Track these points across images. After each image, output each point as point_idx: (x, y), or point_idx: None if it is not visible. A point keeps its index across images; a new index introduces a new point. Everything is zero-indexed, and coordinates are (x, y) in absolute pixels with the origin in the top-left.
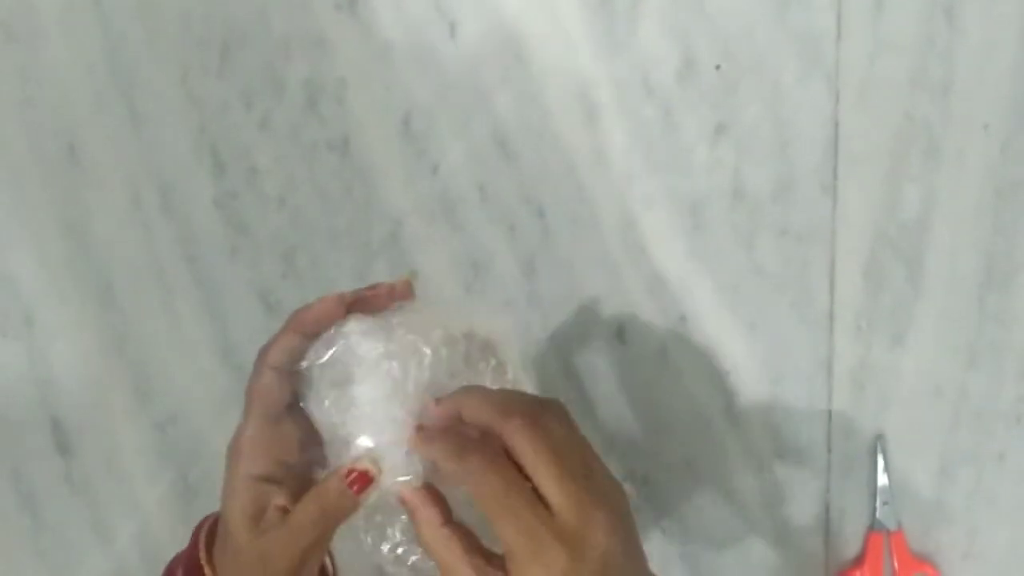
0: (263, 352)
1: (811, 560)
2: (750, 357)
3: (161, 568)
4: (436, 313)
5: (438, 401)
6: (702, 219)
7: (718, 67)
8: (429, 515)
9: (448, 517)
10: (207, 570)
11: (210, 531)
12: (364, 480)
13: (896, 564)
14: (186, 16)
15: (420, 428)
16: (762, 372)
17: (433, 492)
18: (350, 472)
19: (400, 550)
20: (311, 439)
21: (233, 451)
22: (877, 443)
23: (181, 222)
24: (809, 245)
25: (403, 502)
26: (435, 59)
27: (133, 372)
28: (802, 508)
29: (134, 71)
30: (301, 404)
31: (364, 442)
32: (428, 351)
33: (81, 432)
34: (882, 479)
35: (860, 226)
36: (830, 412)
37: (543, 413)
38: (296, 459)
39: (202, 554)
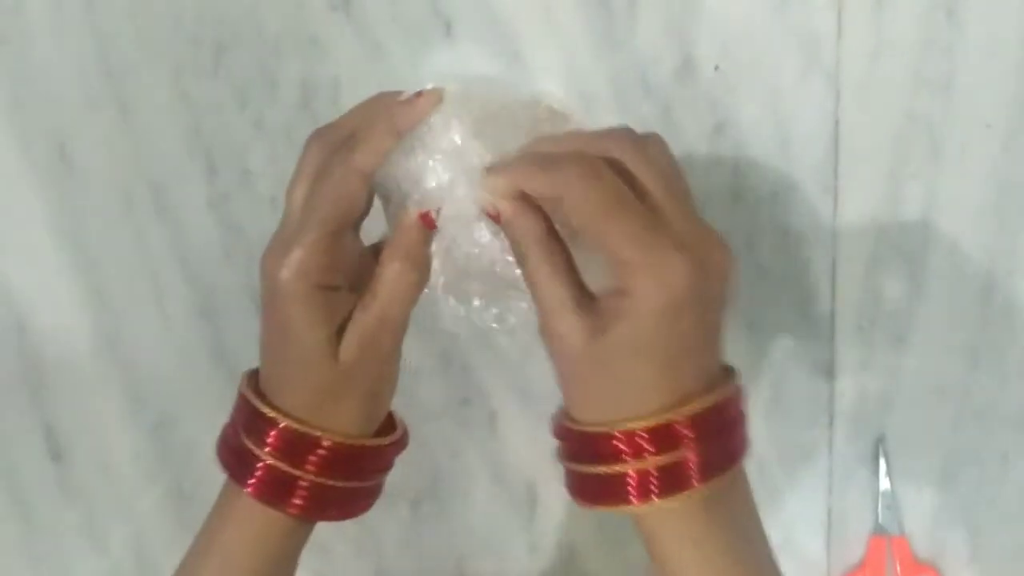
0: (347, 154)
1: (813, 564)
2: (751, 358)
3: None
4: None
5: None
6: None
7: (717, 67)
8: (530, 224)
9: (551, 227)
10: (270, 411)
11: (252, 382)
12: (429, 219)
13: (899, 569)
14: (178, 15)
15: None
16: (763, 373)
17: (531, 201)
18: (419, 214)
19: (479, 303)
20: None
21: (294, 262)
22: (879, 445)
23: (174, 224)
24: (810, 245)
25: (496, 216)
26: (431, 58)
27: (126, 376)
28: (804, 512)
29: (126, 71)
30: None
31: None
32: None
33: (74, 437)
34: (884, 482)
35: (861, 225)
36: (832, 414)
37: (648, 136)
38: (354, 272)
39: (252, 397)
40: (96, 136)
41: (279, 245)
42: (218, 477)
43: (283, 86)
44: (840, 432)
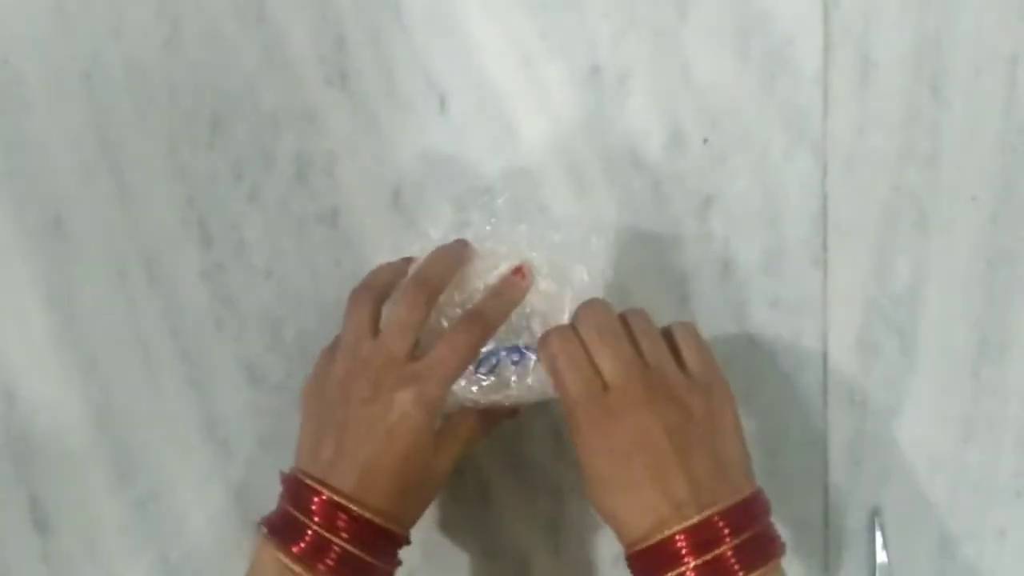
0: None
1: None
2: (744, 430)
3: None
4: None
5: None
6: (692, 291)
7: (706, 141)
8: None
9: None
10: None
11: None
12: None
13: None
14: (175, 89)
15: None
16: (756, 446)
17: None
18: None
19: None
20: None
21: (429, 401)
22: (875, 519)
23: (166, 295)
24: (800, 317)
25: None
26: (425, 132)
27: (114, 448)
28: None
29: (122, 143)
30: None
31: None
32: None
33: (60, 510)
34: (881, 556)
35: (851, 298)
36: (826, 487)
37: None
38: None
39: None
40: (91, 207)
41: (409, 377)
42: (206, 551)
43: (279, 159)
44: (835, 505)
